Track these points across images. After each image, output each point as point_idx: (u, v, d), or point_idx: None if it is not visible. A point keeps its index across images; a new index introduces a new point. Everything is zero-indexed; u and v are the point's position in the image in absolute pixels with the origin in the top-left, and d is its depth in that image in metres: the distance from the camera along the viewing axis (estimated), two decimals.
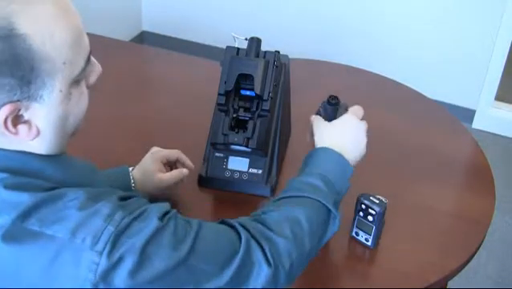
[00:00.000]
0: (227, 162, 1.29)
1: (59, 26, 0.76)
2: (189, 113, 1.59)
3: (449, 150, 1.51)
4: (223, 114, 1.27)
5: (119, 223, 0.76)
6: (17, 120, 0.76)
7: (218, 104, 1.28)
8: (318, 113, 1.15)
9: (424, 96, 1.74)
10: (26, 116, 0.77)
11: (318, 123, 1.13)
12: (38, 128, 0.78)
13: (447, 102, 2.84)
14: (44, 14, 0.75)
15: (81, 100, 0.83)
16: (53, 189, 0.78)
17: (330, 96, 1.13)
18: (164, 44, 3.32)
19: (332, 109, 1.14)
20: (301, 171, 1.04)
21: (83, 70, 0.80)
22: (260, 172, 1.28)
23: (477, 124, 2.98)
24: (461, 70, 2.91)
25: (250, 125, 1.26)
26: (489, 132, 2.95)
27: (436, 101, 1.77)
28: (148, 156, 1.24)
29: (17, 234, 0.74)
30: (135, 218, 0.78)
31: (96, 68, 0.86)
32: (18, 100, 0.75)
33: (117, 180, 1.16)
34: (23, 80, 0.74)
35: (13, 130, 0.76)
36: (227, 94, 1.27)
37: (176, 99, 1.66)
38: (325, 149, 1.05)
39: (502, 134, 2.95)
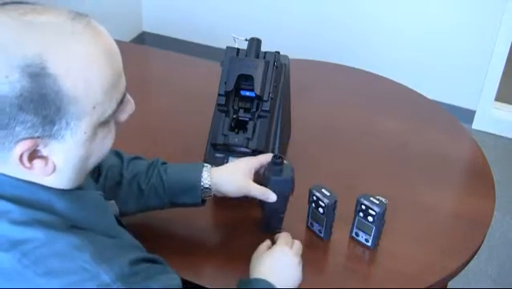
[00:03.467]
0: (227, 163, 1.29)
1: (97, 70, 0.72)
2: (189, 113, 1.59)
3: (448, 150, 1.51)
4: (223, 114, 1.28)
5: None
6: (34, 154, 0.73)
7: (218, 105, 1.28)
8: (264, 172, 1.16)
9: (424, 96, 1.74)
10: (45, 152, 0.73)
11: (261, 250, 1.11)
12: (55, 164, 0.75)
13: (447, 102, 2.84)
14: (82, 55, 0.71)
15: (107, 140, 0.79)
16: (61, 226, 0.75)
17: (274, 156, 1.13)
18: (165, 45, 3.32)
19: (278, 169, 1.13)
20: None
21: (114, 112, 0.77)
22: (260, 172, 1.27)
23: (477, 124, 2.98)
24: (461, 70, 2.91)
25: (250, 126, 1.26)
26: (489, 133, 2.95)
27: (436, 101, 1.77)
28: (241, 160, 1.19)
29: (10, 272, 0.73)
30: None
31: (129, 106, 0.81)
32: (38, 137, 0.71)
33: (188, 175, 1.14)
34: (46, 120, 0.70)
35: (28, 165, 0.73)
36: (227, 94, 1.27)
37: (176, 100, 1.66)
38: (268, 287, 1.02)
39: (502, 135, 2.95)
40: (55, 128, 0.71)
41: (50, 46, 0.69)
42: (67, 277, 0.72)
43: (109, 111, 0.75)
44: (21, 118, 0.69)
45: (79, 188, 0.82)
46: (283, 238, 1.12)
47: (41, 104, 0.69)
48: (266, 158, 1.17)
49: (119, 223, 0.95)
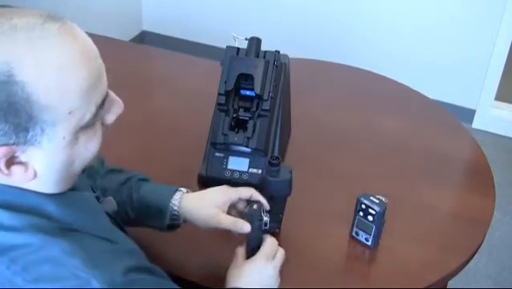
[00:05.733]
0: (227, 162, 1.29)
1: (70, 74, 0.69)
2: (189, 113, 1.59)
3: (449, 150, 1.51)
4: (223, 114, 1.28)
5: None
6: (12, 161, 0.71)
7: (218, 104, 1.28)
8: (262, 173, 1.12)
9: (424, 96, 1.74)
10: (23, 158, 0.71)
11: (237, 259, 1.04)
12: (36, 170, 0.73)
13: (447, 102, 2.84)
14: (53, 61, 0.68)
15: (91, 143, 0.75)
16: (53, 230, 0.73)
17: (272, 157, 1.11)
18: (165, 44, 3.32)
19: (275, 170, 1.10)
20: None
21: (95, 116, 0.73)
22: (260, 172, 1.27)
23: (477, 124, 2.98)
24: (461, 70, 2.91)
25: (250, 125, 1.26)
26: (489, 132, 2.95)
27: (436, 101, 1.77)
28: (218, 189, 1.10)
29: (1, 280, 0.71)
30: None
31: (116, 107, 0.79)
32: (14, 144, 0.69)
33: (158, 197, 1.07)
34: (19, 127, 0.68)
35: (6, 171, 0.71)
36: (227, 94, 1.27)
37: (176, 99, 1.66)
38: None
39: (502, 134, 2.95)
40: (30, 134, 0.69)
41: (18, 53, 0.66)
42: (57, 284, 0.71)
43: (88, 116, 0.72)
44: None
45: (71, 188, 0.80)
46: (266, 248, 1.02)
47: (11, 112, 0.67)
48: (245, 192, 1.09)
49: (119, 225, 0.93)
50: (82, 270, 0.71)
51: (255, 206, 1.04)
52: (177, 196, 1.08)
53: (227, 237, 1.23)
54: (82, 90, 0.70)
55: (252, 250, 1.05)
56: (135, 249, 0.85)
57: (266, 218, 1.04)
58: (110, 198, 1.01)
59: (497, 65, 2.81)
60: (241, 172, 1.28)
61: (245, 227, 1.02)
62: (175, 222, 1.08)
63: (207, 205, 1.06)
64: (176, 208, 1.07)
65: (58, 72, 0.68)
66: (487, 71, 2.85)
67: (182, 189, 1.10)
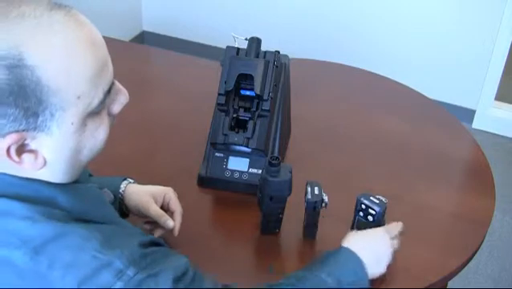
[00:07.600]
0: (227, 162, 1.29)
1: (78, 59, 0.71)
2: (189, 113, 1.59)
3: (448, 150, 1.51)
4: (223, 114, 1.28)
5: (130, 280, 0.73)
6: (22, 148, 0.72)
7: (218, 104, 1.28)
8: (261, 173, 1.14)
9: (424, 96, 1.74)
10: (33, 145, 0.73)
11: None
12: (45, 158, 0.74)
13: (447, 102, 2.84)
14: (61, 45, 0.70)
15: (99, 131, 0.77)
16: (66, 219, 0.75)
17: (272, 157, 1.11)
18: (165, 44, 3.32)
19: (275, 170, 1.11)
20: (322, 264, 1.00)
21: (102, 102, 0.75)
22: (260, 172, 1.28)
23: (477, 124, 2.98)
24: (461, 70, 2.91)
25: (250, 125, 1.26)
26: (489, 132, 2.95)
27: (436, 101, 1.77)
28: (161, 187, 1.16)
29: (23, 270, 0.72)
30: (148, 276, 0.74)
31: (121, 97, 0.80)
32: (24, 130, 0.71)
33: (110, 186, 1.10)
34: (29, 112, 0.70)
35: (16, 159, 0.72)
36: (227, 94, 1.27)
37: (176, 99, 1.66)
38: (354, 257, 1.02)
39: (502, 134, 2.95)
40: (40, 119, 0.71)
41: (27, 38, 0.68)
42: (81, 269, 0.72)
43: (96, 102, 0.74)
44: (2, 111, 0.69)
45: (76, 181, 0.82)
46: (391, 225, 1.11)
47: (21, 96, 0.68)
48: (176, 205, 1.13)
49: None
50: (101, 252, 0.73)
51: (316, 189, 1.13)
52: (124, 183, 1.14)
53: (226, 238, 1.23)
54: (89, 74, 0.72)
55: (307, 226, 1.17)
56: (138, 229, 0.88)
57: (326, 198, 1.14)
58: (105, 190, 1.04)
59: (497, 65, 2.82)
60: (241, 173, 1.29)
61: (168, 223, 1.09)
62: (122, 207, 1.13)
63: (143, 193, 1.12)
64: (121, 191, 1.12)
65: (66, 56, 0.70)
66: (487, 71, 2.85)
67: (130, 179, 1.15)
